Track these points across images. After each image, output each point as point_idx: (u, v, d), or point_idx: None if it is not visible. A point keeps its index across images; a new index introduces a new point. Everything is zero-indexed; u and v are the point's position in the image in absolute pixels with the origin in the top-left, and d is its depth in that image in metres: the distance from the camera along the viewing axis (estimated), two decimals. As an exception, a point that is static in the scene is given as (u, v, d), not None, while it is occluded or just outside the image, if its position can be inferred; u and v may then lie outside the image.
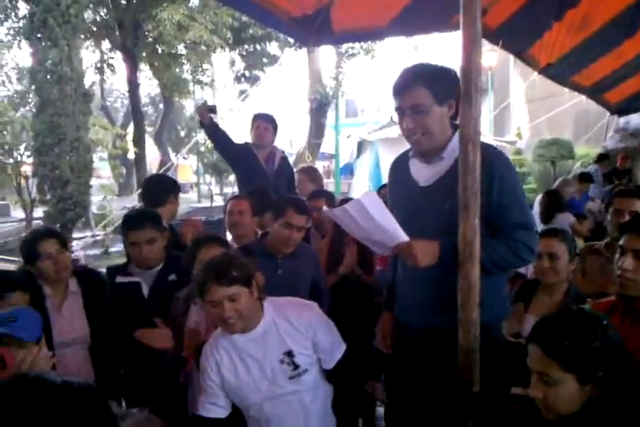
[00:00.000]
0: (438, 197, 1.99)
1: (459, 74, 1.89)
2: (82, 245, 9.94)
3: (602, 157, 9.12)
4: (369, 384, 2.50)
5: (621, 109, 5.50)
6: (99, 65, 15.51)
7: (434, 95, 1.93)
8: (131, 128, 16.34)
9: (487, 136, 12.79)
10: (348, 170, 15.97)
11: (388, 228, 1.86)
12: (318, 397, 2.13)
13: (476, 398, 1.89)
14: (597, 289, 2.75)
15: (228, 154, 4.62)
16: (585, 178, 6.86)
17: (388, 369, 2.35)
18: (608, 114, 5.93)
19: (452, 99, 1.96)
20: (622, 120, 12.20)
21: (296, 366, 2.04)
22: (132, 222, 2.68)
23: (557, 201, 5.29)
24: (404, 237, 1.88)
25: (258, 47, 16.19)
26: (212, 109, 4.38)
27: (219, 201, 17.99)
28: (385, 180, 3.94)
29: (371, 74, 22.95)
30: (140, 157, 14.35)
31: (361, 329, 2.96)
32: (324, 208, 3.16)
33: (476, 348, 1.94)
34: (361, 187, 13.14)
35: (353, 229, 1.95)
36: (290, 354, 2.04)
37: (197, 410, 2.08)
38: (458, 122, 2.00)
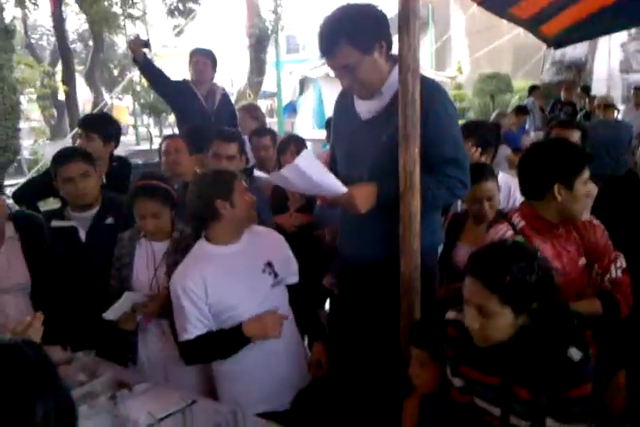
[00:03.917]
0: (377, 130, 2.02)
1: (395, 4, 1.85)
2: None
3: (533, 89, 9.64)
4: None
5: (557, 42, 5.56)
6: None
7: (359, 48, 1.90)
8: (59, 67, 15.32)
9: (428, 71, 12.76)
10: (292, 108, 15.69)
11: (327, 183, 1.88)
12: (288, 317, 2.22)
13: (416, 325, 1.99)
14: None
15: (165, 91, 4.46)
16: (521, 111, 7.05)
17: (333, 302, 2.43)
18: (544, 47, 5.98)
19: (382, 39, 1.94)
20: (558, 53, 12.42)
21: (276, 275, 2.17)
22: (62, 158, 2.59)
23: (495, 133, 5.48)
24: (343, 189, 1.90)
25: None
26: (146, 44, 4.18)
27: (158, 143, 17.39)
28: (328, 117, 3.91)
29: (311, 8, 22.21)
30: (71, 96, 13.54)
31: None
32: (263, 176, 3.22)
33: (417, 276, 2.01)
34: (305, 125, 12.99)
35: (294, 188, 2.00)
36: (270, 264, 2.17)
37: (185, 333, 2.08)
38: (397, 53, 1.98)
